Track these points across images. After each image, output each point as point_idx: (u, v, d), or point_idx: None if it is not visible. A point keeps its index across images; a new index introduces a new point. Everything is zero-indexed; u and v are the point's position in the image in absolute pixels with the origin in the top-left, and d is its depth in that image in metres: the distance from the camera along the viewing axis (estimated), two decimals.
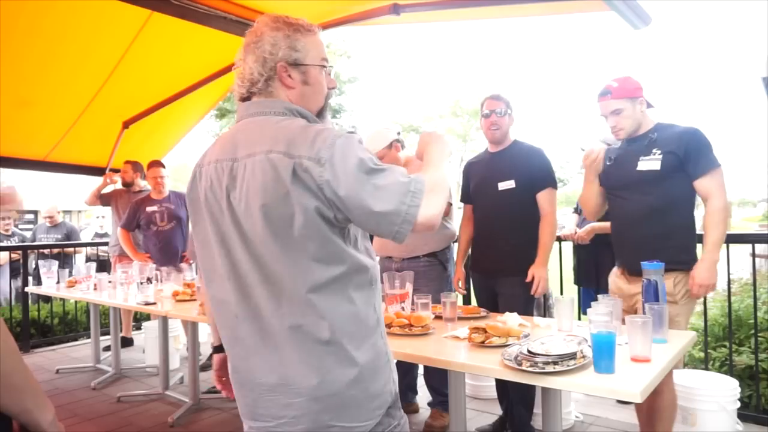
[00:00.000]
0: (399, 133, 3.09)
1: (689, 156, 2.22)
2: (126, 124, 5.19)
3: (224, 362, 1.43)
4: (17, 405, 0.91)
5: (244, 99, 1.29)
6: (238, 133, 1.25)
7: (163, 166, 4.68)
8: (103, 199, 5.28)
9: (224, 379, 1.45)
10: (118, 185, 5.26)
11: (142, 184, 5.11)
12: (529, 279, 2.64)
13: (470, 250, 2.99)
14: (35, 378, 0.95)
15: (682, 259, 2.26)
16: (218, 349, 1.47)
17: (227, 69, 4.42)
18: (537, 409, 2.87)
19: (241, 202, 1.18)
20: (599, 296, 1.99)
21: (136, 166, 5.07)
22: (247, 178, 1.16)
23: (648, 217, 2.29)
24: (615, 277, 2.48)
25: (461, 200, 3.07)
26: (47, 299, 5.55)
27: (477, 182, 2.88)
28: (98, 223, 7.13)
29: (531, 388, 2.69)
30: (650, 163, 2.28)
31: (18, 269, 5.77)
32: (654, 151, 2.28)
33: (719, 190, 2.23)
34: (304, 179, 1.11)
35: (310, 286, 1.14)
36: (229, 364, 1.30)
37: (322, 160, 1.10)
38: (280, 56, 1.24)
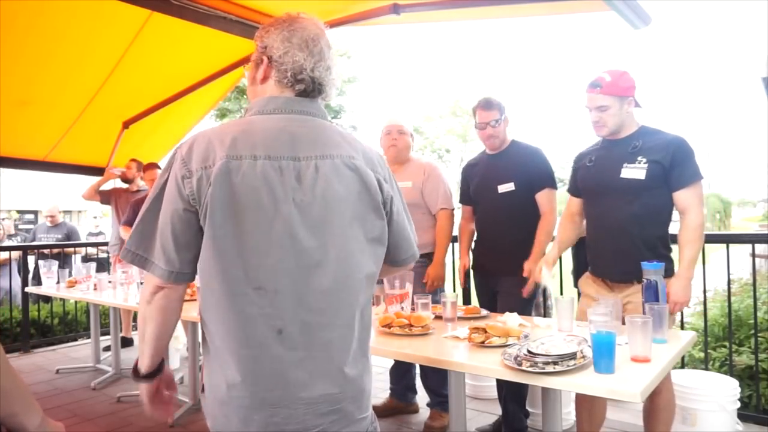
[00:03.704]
0: (412, 136, 3.17)
1: (674, 166, 2.15)
2: (126, 124, 5.19)
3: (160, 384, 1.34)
4: (5, 409, 0.90)
5: (298, 93, 1.20)
6: (286, 128, 1.15)
7: (160, 168, 4.69)
8: (102, 196, 5.29)
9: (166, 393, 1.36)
10: (119, 182, 5.27)
11: (141, 183, 5.14)
12: (526, 274, 2.60)
13: (472, 251, 2.98)
14: (23, 380, 0.94)
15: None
16: (151, 374, 1.31)
17: (227, 69, 4.43)
18: (536, 409, 2.88)
19: (313, 205, 1.11)
20: (600, 297, 1.99)
21: (140, 165, 5.10)
22: (325, 179, 1.12)
23: (630, 227, 2.20)
24: (594, 284, 2.37)
25: (460, 201, 3.06)
26: (47, 299, 5.54)
27: (477, 185, 2.87)
28: (93, 222, 7.13)
29: (523, 386, 2.69)
30: (635, 171, 2.19)
31: (18, 267, 5.77)
32: (639, 159, 2.19)
33: (698, 204, 2.17)
34: (377, 193, 1.19)
35: (366, 296, 1.20)
36: (244, 387, 1.11)
37: (387, 178, 1.23)
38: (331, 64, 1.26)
